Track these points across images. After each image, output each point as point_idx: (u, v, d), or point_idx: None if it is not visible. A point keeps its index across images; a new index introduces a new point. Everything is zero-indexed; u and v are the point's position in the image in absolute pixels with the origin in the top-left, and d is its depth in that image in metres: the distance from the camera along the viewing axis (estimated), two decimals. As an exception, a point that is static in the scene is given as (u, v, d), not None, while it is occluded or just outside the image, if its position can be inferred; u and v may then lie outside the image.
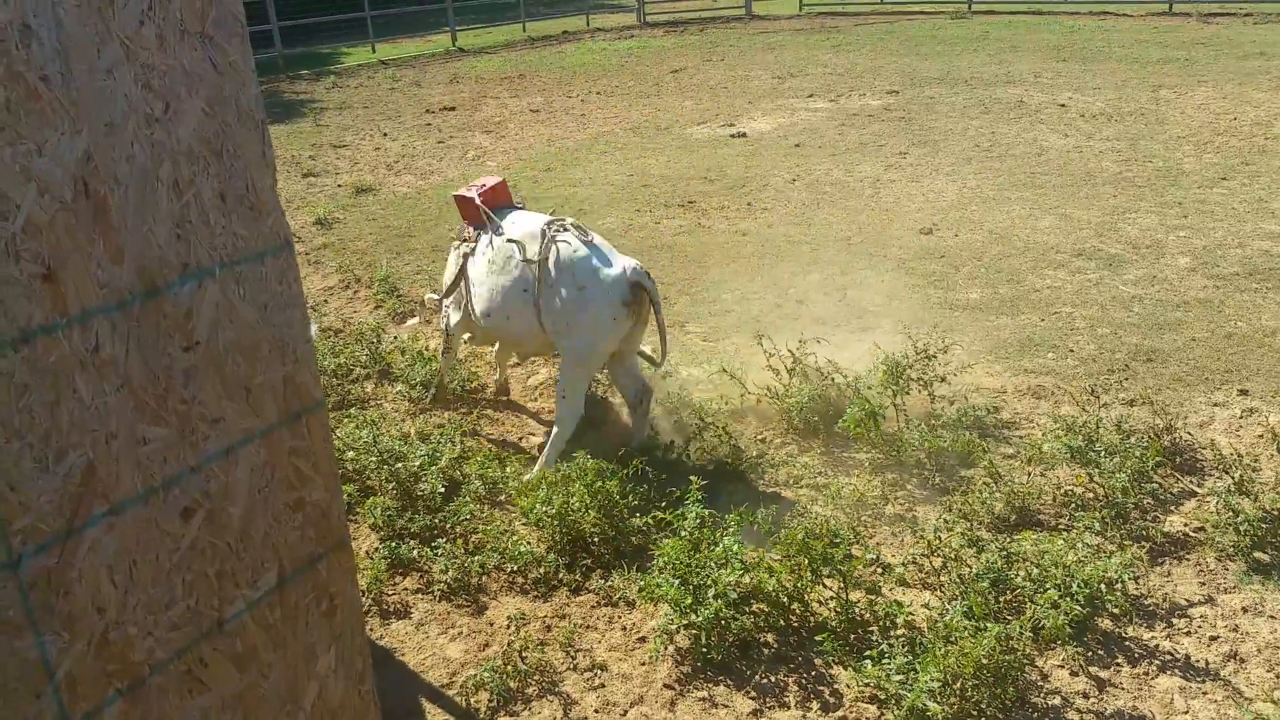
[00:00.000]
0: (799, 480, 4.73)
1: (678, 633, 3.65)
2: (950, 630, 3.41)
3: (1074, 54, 16.63)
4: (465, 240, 5.19)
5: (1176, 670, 3.46)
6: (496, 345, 5.78)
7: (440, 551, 4.19)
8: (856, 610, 3.70)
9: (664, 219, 9.17)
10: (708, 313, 6.85)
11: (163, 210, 1.81)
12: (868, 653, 3.48)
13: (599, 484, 4.25)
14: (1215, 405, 5.23)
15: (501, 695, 3.48)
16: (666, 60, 18.93)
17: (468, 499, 4.56)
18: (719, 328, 6.58)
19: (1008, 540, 4.01)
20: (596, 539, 4.22)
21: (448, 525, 4.44)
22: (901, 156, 10.82)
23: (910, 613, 3.65)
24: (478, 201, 5.09)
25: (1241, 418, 5.09)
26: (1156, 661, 3.51)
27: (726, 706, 3.42)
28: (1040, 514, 4.35)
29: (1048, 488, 4.46)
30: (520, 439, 5.38)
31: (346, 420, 5.21)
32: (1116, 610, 3.68)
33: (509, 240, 4.89)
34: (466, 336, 5.59)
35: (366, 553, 4.32)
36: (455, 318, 5.30)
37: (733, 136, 12.35)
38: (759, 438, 5.14)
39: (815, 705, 3.41)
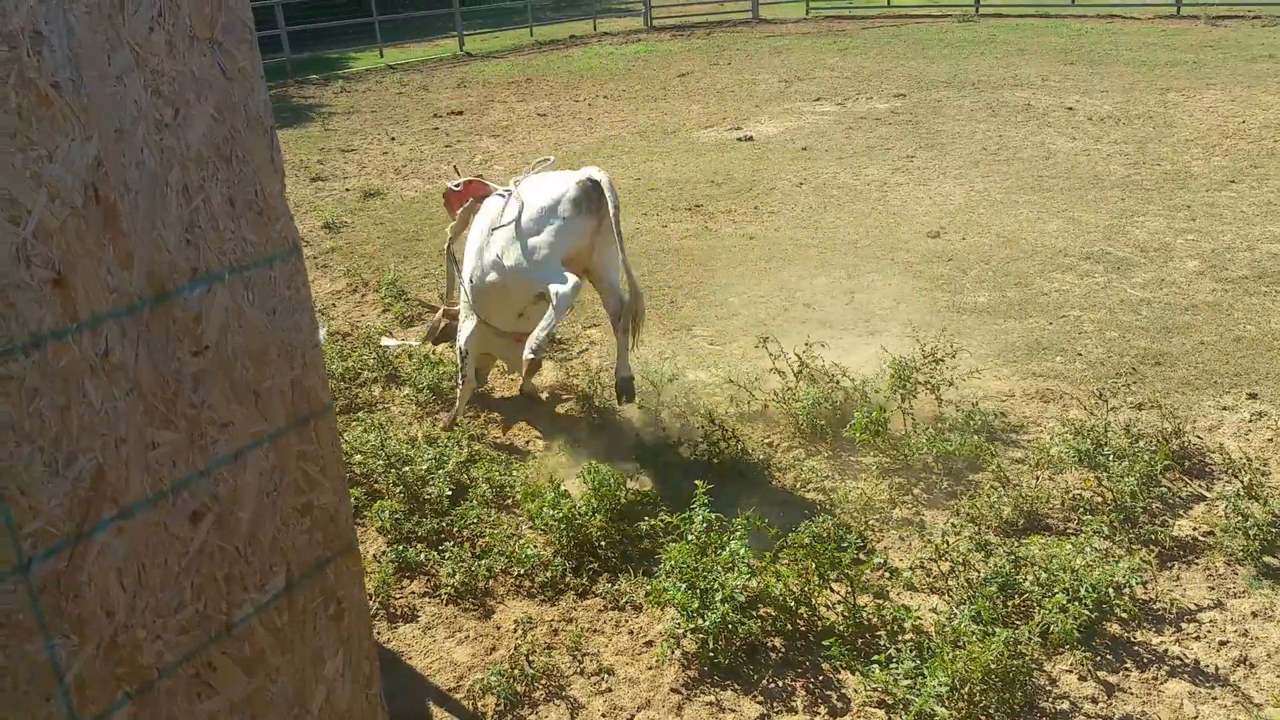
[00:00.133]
0: (806, 484, 4.73)
1: (685, 637, 3.64)
2: (958, 635, 3.40)
3: (1081, 57, 16.60)
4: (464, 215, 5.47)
5: (1186, 675, 3.45)
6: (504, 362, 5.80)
7: (447, 555, 4.20)
8: (864, 614, 3.69)
9: (671, 222, 9.17)
10: (714, 316, 6.85)
11: (172, 215, 1.82)
12: (875, 657, 3.47)
13: (606, 488, 4.25)
14: (1224, 409, 5.21)
15: (508, 699, 3.48)
16: (673, 64, 18.95)
17: (475, 502, 4.57)
18: (726, 331, 6.58)
19: (1016, 544, 4.00)
20: (603, 543, 4.22)
21: (455, 529, 4.45)
22: (909, 160, 10.81)
23: (918, 617, 3.64)
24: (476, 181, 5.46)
25: (1250, 421, 5.07)
26: (1165, 666, 3.49)
27: (734, 711, 3.41)
28: (1048, 518, 4.34)
29: (1056, 492, 4.45)
30: (528, 442, 5.38)
31: (354, 423, 5.23)
32: (1125, 615, 3.67)
33: (497, 196, 5.16)
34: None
35: (374, 556, 4.33)
36: (468, 328, 5.27)
37: (740, 140, 12.35)
38: (766, 441, 5.14)
39: (823, 710, 3.40)
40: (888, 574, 3.90)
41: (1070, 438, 4.63)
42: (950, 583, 3.84)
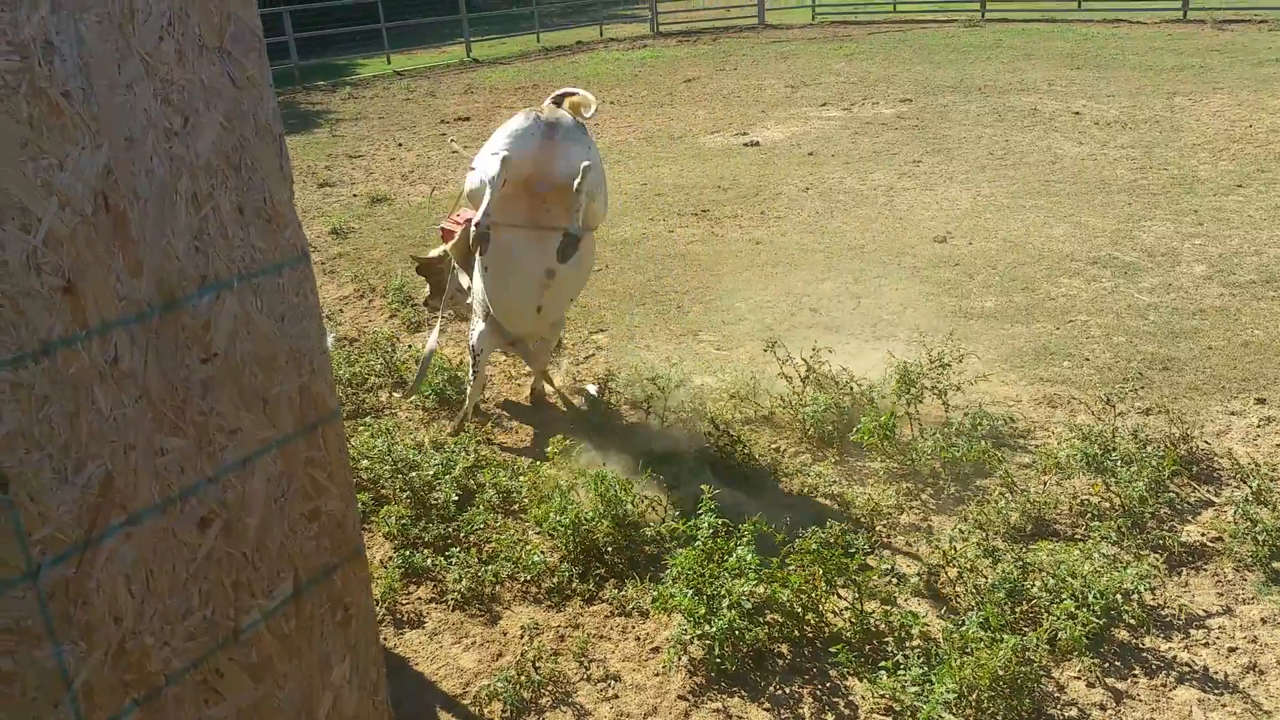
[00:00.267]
0: (813, 490, 4.72)
1: (691, 643, 3.64)
2: (966, 641, 3.39)
3: (1088, 61, 16.58)
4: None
5: (1194, 682, 3.44)
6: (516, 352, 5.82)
7: (454, 560, 4.20)
8: (871, 621, 3.68)
9: (677, 228, 9.18)
10: (721, 321, 6.85)
11: (181, 223, 1.83)
12: (883, 664, 3.46)
13: (612, 494, 4.25)
14: (1232, 414, 5.20)
15: (515, 705, 3.48)
16: (680, 69, 18.98)
17: (481, 508, 4.57)
18: (732, 336, 6.57)
19: (1023, 550, 3.99)
20: (610, 548, 4.22)
21: (461, 534, 4.45)
22: (915, 165, 10.80)
23: (926, 624, 3.64)
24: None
25: (1259, 426, 5.05)
26: (1174, 673, 3.48)
27: (741, 718, 3.41)
28: (1056, 524, 4.33)
29: (1064, 497, 4.44)
30: (534, 448, 5.38)
31: (361, 429, 5.24)
32: (1133, 621, 3.66)
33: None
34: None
35: (380, 562, 4.33)
36: (479, 329, 5.31)
37: (746, 145, 12.36)
38: (773, 446, 5.14)
39: (830, 717, 3.39)
40: (895, 580, 3.89)
41: (1078, 443, 4.62)
42: (958, 589, 3.83)
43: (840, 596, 3.77)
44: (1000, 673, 3.21)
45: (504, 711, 3.47)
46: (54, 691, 1.71)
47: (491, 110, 15.87)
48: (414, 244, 9.13)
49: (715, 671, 3.57)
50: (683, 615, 3.64)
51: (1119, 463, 4.42)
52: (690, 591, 3.65)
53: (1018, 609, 3.69)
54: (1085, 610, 3.55)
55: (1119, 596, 3.64)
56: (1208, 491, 4.52)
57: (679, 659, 3.63)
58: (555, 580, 4.11)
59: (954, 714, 3.18)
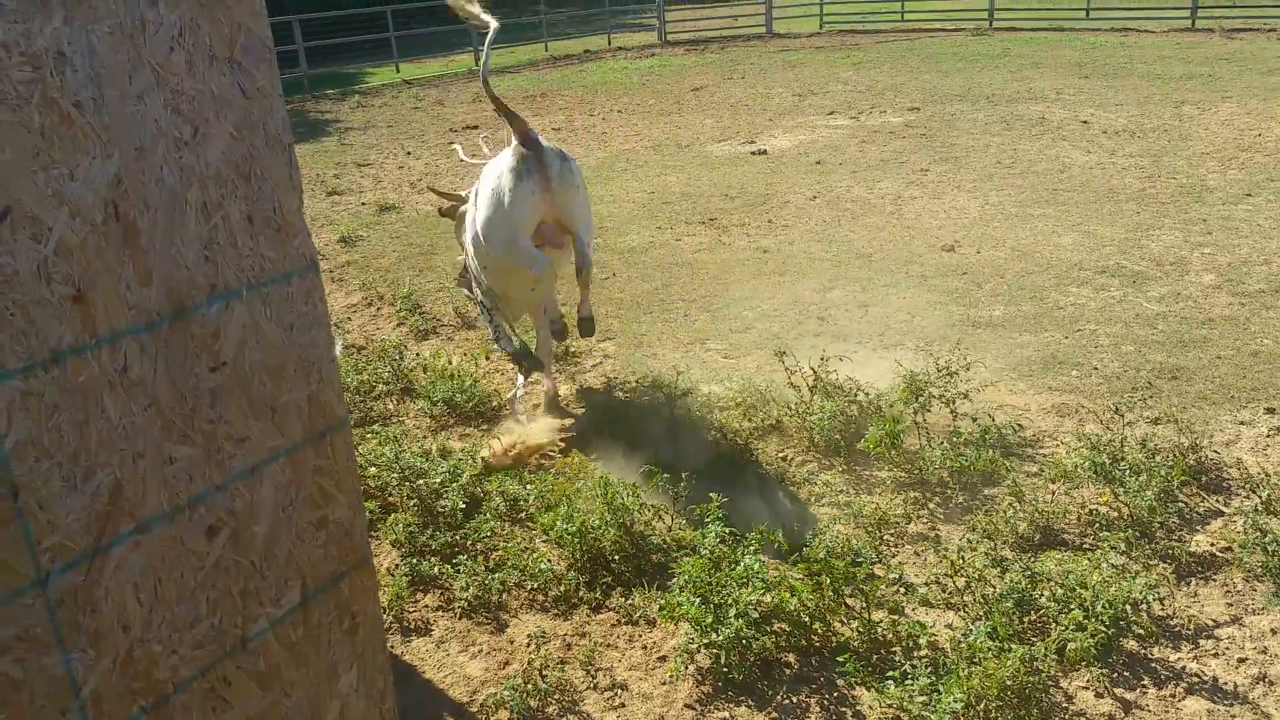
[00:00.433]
0: (821, 498, 4.71)
1: (698, 652, 3.63)
2: (974, 651, 3.38)
3: (1096, 70, 16.57)
4: None
5: (1204, 693, 3.42)
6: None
7: (461, 568, 4.20)
8: (879, 630, 3.67)
9: (685, 236, 9.19)
10: (729, 329, 6.85)
11: (191, 232, 1.84)
12: (890, 673, 3.45)
13: (619, 502, 4.25)
14: (1241, 423, 5.17)
15: (522, 714, 3.47)
16: (687, 78, 19.02)
17: (488, 516, 4.58)
18: (740, 344, 6.58)
19: (1032, 560, 3.97)
20: (617, 557, 4.22)
21: (468, 542, 4.45)
22: (923, 173, 10.80)
23: (933, 633, 3.62)
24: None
25: (1268, 436, 5.03)
26: (1183, 683, 3.46)
27: (747, 727, 3.40)
28: (1064, 533, 4.31)
29: (1072, 507, 4.42)
30: (542, 455, 5.38)
31: (369, 437, 5.25)
32: (1142, 631, 3.64)
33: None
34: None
35: (388, 569, 4.33)
36: (496, 321, 5.48)
37: (753, 154, 12.38)
38: (780, 455, 5.13)
39: (837, 726, 3.38)
40: (903, 589, 3.88)
41: (1086, 452, 4.60)
42: (966, 598, 3.81)
43: (848, 606, 3.76)
44: (1008, 683, 3.20)
45: (511, 719, 3.47)
46: (62, 699, 1.72)
47: (499, 119, 15.90)
48: (422, 252, 9.16)
49: (722, 680, 3.56)
50: (690, 624, 3.64)
51: (1128, 472, 4.41)
52: (697, 600, 3.64)
53: (1026, 619, 3.67)
54: (1094, 620, 3.53)
55: (1128, 606, 3.62)
56: (1217, 501, 4.50)
57: (686, 668, 3.62)
58: (562, 588, 4.11)
59: (962, 724, 3.16)
